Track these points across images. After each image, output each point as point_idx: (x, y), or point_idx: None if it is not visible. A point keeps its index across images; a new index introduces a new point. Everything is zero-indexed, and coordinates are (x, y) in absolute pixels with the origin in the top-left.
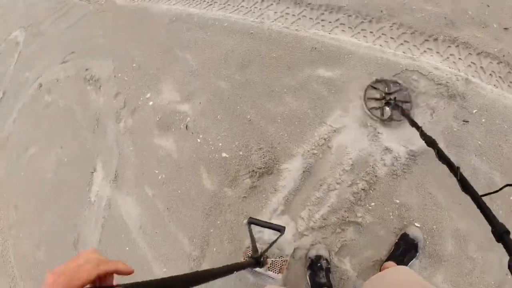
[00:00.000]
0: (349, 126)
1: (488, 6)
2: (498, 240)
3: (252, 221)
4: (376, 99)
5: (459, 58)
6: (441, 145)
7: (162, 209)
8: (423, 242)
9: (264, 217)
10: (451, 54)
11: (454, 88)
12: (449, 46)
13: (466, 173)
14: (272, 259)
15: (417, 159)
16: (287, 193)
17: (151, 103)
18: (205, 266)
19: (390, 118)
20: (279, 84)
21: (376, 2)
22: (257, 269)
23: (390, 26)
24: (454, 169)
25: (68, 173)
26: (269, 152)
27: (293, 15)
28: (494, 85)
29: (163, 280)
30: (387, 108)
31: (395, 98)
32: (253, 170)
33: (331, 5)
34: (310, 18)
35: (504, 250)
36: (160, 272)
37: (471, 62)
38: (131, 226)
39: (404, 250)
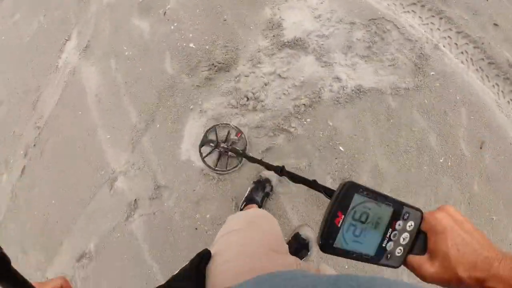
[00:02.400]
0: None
1: None
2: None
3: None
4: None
5: (438, 28)
6: (388, 91)
7: (120, 82)
8: (313, 243)
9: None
10: (431, 23)
11: (421, 48)
12: (433, 16)
13: (404, 122)
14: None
15: (362, 95)
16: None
17: None
18: (145, 139)
19: (224, 166)
20: None
21: None
22: None
23: None
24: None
25: (45, 38)
26: (233, 52)
27: None
28: (461, 62)
29: None
30: (227, 155)
31: (229, 142)
32: (213, 64)
33: None
34: None
35: None
36: (104, 138)
37: (448, 36)
38: (89, 93)
39: (296, 249)
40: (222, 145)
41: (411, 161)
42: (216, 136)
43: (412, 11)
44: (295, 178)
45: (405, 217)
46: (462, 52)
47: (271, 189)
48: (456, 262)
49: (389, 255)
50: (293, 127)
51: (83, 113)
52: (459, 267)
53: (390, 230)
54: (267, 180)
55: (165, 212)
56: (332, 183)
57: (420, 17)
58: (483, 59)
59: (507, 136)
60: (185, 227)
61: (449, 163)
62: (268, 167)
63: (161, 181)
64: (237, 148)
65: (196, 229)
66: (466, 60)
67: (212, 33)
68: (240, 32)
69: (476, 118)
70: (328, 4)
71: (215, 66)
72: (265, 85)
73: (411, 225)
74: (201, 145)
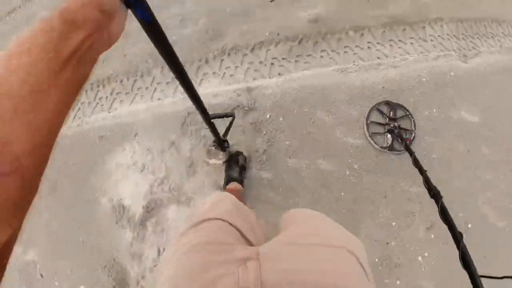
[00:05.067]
0: None
1: None
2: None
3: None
4: (379, 124)
5: (236, 66)
6: (255, 164)
7: None
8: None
9: None
10: (226, 68)
11: (240, 105)
12: (222, 60)
13: (288, 179)
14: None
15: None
16: None
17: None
18: None
19: (391, 147)
20: (89, 192)
21: (139, 54)
22: None
23: (161, 71)
24: (457, 238)
25: None
26: (115, 266)
27: (72, 108)
28: (279, 74)
29: None
30: (388, 135)
31: (399, 125)
32: None
33: (101, 79)
34: (89, 102)
35: None
36: None
37: (249, 63)
38: None
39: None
40: (392, 124)
41: (328, 201)
42: (383, 114)
43: (204, 74)
44: (444, 215)
45: None
46: (272, 63)
47: (245, 160)
48: None
49: None
50: None
51: None
52: None
53: None
54: (238, 153)
55: None
56: None
57: (214, 72)
58: (292, 45)
59: (378, 84)
60: None
61: (355, 166)
62: (427, 181)
63: None
64: (405, 138)
65: None
66: (282, 66)
67: (86, 263)
68: (103, 243)
69: (336, 106)
70: (139, 148)
71: None
72: None
73: None
74: (367, 120)
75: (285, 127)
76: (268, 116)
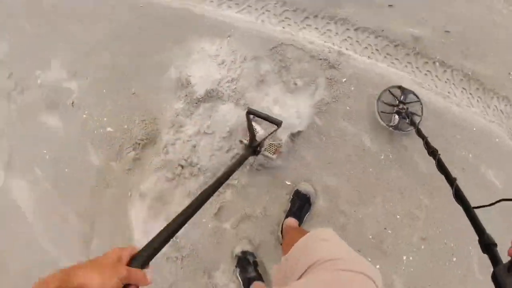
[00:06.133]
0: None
1: None
2: (483, 251)
3: (251, 111)
4: (389, 105)
5: (336, 33)
6: (314, 109)
7: (51, 189)
8: (314, 196)
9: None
10: (328, 30)
11: (326, 60)
12: (328, 23)
13: (334, 134)
14: (269, 142)
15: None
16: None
17: (39, 81)
18: (96, 242)
19: (396, 127)
20: (166, 57)
21: None
22: None
23: (275, 4)
24: (451, 180)
25: None
26: (152, 124)
27: None
28: (368, 57)
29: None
30: (396, 116)
31: (407, 108)
32: (136, 142)
33: None
34: None
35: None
36: (55, 253)
37: (348, 37)
38: (25, 210)
39: (299, 206)
40: (401, 106)
41: (356, 169)
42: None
43: (307, 25)
44: (441, 166)
45: None
46: (366, 47)
47: (255, 256)
48: None
49: None
50: (235, 179)
51: (26, 232)
52: None
53: None
54: (245, 253)
55: None
56: None
57: (316, 28)
58: (388, 44)
59: (441, 110)
60: None
61: (390, 156)
62: (427, 144)
63: None
64: (414, 120)
65: None
66: (372, 53)
67: (126, 110)
68: (152, 101)
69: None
70: (227, 47)
71: (139, 144)
72: (194, 147)
73: None
74: (379, 98)
75: (352, 95)
76: (343, 80)
